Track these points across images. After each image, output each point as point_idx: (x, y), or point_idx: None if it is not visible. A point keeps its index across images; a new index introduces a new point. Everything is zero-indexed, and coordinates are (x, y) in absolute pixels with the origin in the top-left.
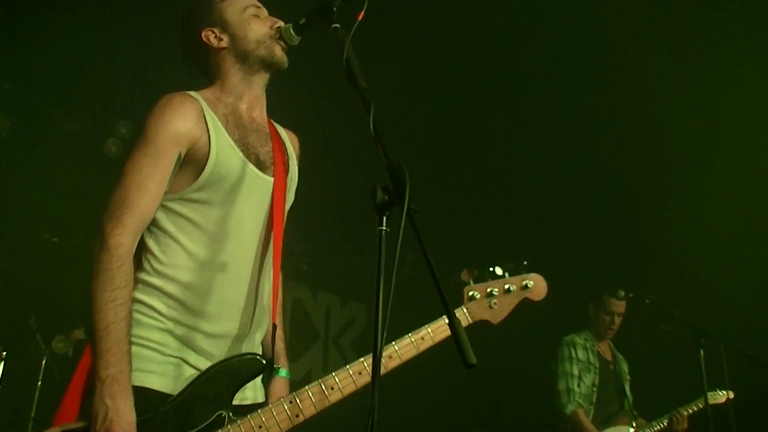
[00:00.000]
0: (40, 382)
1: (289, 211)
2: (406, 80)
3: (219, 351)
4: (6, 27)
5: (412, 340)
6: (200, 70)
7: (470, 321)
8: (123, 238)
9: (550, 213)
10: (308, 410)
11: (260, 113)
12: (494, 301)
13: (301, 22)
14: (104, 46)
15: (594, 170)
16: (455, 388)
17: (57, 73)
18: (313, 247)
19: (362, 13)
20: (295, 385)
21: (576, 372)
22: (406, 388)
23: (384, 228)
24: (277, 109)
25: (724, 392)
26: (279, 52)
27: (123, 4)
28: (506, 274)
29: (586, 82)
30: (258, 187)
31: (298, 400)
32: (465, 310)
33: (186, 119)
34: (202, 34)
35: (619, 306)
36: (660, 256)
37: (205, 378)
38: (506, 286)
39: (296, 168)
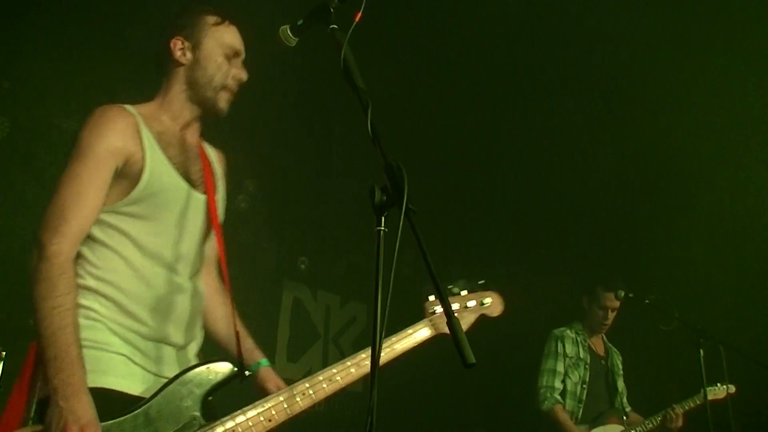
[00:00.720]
0: (39, 383)
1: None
2: (405, 80)
3: (157, 355)
4: (6, 27)
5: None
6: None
7: (434, 333)
8: (62, 247)
9: (549, 209)
10: (280, 415)
11: (192, 135)
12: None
13: (298, 23)
14: (104, 46)
15: (594, 165)
16: (455, 388)
17: (57, 73)
18: (313, 247)
19: (359, 13)
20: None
21: (561, 369)
22: (406, 388)
23: (382, 228)
24: (276, 109)
25: (723, 386)
26: (222, 104)
27: (123, 4)
28: (466, 292)
29: (587, 78)
30: (191, 203)
31: (269, 405)
32: (430, 321)
33: (122, 134)
34: (172, 41)
35: (614, 301)
36: (659, 256)
37: (177, 382)
38: (466, 303)
39: (224, 187)
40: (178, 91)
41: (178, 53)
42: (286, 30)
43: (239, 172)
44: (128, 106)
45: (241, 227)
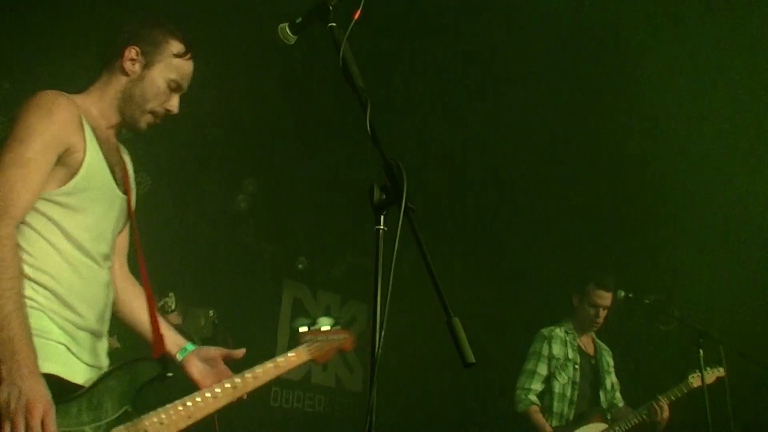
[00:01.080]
0: None
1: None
2: (404, 80)
3: (90, 346)
4: (6, 27)
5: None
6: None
7: (308, 358)
8: (11, 229)
9: (546, 209)
10: (199, 412)
11: (114, 136)
12: (320, 345)
13: (297, 21)
14: (105, 46)
15: (592, 165)
16: (455, 388)
17: (57, 74)
18: (313, 247)
19: (358, 11)
20: (295, 384)
21: (542, 371)
22: (406, 388)
23: (382, 227)
24: (276, 109)
25: (713, 371)
26: (143, 126)
27: (123, 3)
28: (329, 327)
29: (586, 79)
30: (117, 201)
31: (190, 404)
32: (306, 347)
33: (68, 122)
34: (128, 48)
35: (605, 298)
36: (659, 255)
37: (113, 375)
38: (329, 337)
39: (135, 187)
40: (113, 95)
41: (128, 63)
42: (285, 28)
43: (239, 172)
44: (71, 96)
45: (241, 227)
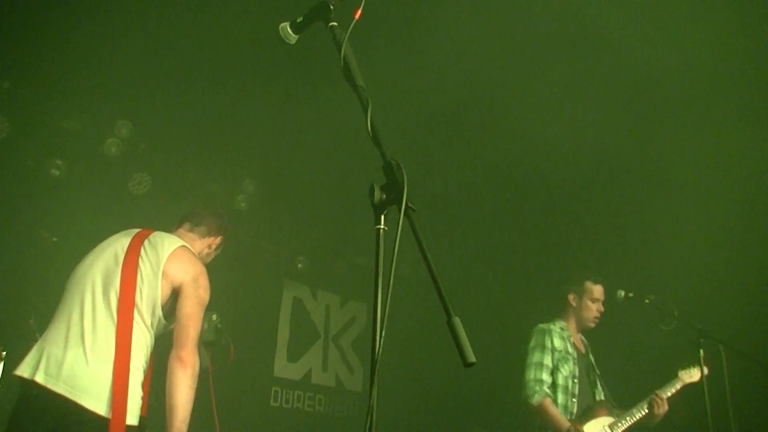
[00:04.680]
0: None
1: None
2: (403, 80)
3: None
4: (5, 27)
5: None
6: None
7: None
8: None
9: (536, 209)
10: None
11: None
12: None
13: (298, 21)
14: (104, 45)
15: (589, 163)
16: (455, 388)
17: (57, 73)
18: (313, 247)
19: (359, 11)
20: (295, 384)
21: (549, 363)
22: (405, 388)
23: (382, 227)
24: (276, 109)
25: (696, 369)
26: None
27: (123, 3)
28: None
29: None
30: None
31: None
32: None
33: None
34: (218, 238)
35: (602, 293)
36: (658, 254)
37: None
38: None
39: None
40: None
41: (214, 246)
42: (286, 27)
43: (239, 172)
44: None
45: (241, 227)
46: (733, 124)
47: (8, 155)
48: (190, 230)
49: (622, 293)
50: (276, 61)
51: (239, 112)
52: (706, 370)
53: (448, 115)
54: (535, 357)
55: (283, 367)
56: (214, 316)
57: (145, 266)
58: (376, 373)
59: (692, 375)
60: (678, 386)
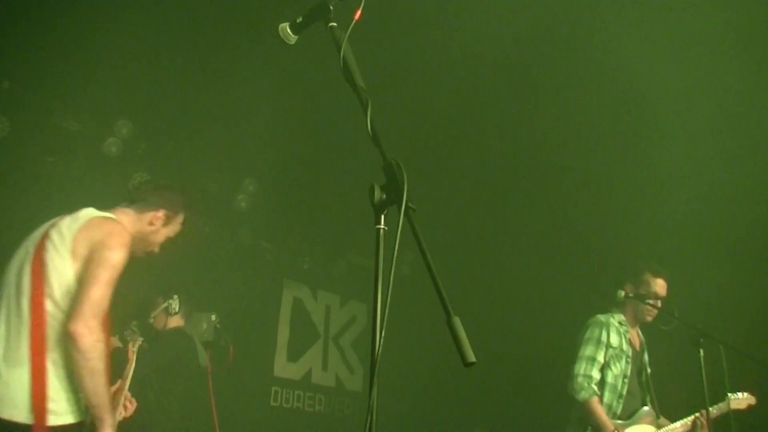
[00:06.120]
0: None
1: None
2: (403, 79)
3: None
4: (6, 27)
5: None
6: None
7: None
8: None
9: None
10: None
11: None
12: None
13: (297, 21)
14: (104, 45)
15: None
16: (455, 388)
17: (57, 73)
18: (313, 247)
19: (359, 11)
20: (295, 384)
21: (601, 358)
22: (405, 388)
23: (382, 227)
24: (276, 109)
25: (745, 395)
26: (138, 254)
27: (123, 3)
28: None
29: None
30: None
31: None
32: None
33: None
34: (162, 211)
35: (665, 288)
36: (658, 254)
37: None
38: None
39: None
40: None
41: (156, 222)
42: (285, 28)
43: (239, 172)
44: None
45: (241, 227)
46: None
47: (8, 155)
48: (128, 206)
49: (622, 293)
50: (276, 61)
51: (239, 112)
52: (753, 400)
53: (451, 113)
54: (588, 350)
55: (283, 367)
56: (213, 316)
57: (49, 254)
58: (376, 373)
59: (740, 402)
60: (725, 410)
